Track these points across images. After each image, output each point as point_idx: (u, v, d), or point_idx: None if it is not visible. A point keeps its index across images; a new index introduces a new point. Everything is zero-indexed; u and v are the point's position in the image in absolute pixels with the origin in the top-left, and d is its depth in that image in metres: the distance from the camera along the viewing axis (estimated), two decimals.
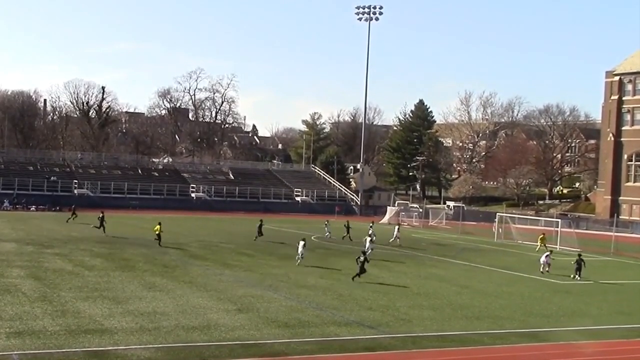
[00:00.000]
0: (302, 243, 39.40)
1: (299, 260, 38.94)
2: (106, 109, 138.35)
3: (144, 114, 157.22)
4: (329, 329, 23.12)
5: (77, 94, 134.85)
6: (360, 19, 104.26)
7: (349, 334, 22.60)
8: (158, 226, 46.08)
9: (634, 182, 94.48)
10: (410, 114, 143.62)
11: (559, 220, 61.86)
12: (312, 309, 26.23)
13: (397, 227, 56.69)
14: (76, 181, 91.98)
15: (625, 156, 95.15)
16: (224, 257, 41.26)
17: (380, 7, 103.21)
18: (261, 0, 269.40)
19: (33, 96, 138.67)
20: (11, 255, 37.80)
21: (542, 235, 54.98)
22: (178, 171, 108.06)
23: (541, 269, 40.61)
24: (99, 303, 25.32)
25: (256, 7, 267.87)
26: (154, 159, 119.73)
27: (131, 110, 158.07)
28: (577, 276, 38.46)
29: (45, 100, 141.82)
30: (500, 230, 64.62)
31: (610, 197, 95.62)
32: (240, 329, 22.41)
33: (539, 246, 53.31)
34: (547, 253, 42.29)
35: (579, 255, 40.16)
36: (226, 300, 27.12)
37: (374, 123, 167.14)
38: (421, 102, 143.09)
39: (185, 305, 25.72)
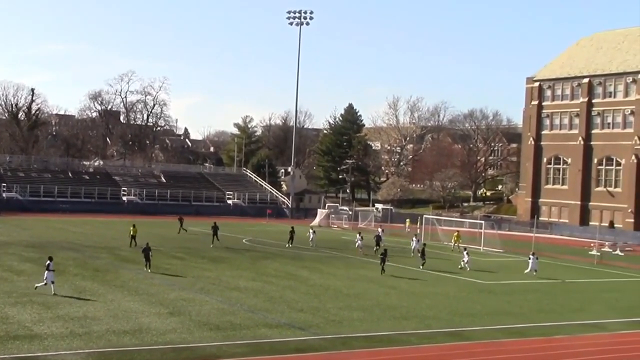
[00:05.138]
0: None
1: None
2: (36, 111, 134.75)
3: (74, 116, 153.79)
4: (260, 331, 23.49)
5: (6, 95, 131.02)
6: (291, 24, 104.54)
7: (280, 335, 23.02)
8: (132, 228, 48.92)
9: (553, 184, 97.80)
10: (340, 118, 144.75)
11: (483, 222, 63.64)
12: (243, 312, 26.55)
13: (311, 230, 57.39)
14: (5, 184, 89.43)
15: (545, 159, 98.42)
16: (156, 261, 40.78)
17: (311, 12, 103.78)
18: (193, 3, 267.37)
19: None
20: None
21: (456, 233, 57.37)
22: (109, 174, 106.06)
23: (412, 254, 49.90)
24: (29, 308, 25.01)
25: (188, 10, 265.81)
26: (84, 162, 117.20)
27: (61, 112, 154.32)
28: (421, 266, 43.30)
29: None
30: (409, 230, 67.08)
31: (530, 199, 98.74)
32: (172, 332, 22.55)
33: (453, 244, 56.82)
34: (415, 238, 52.47)
35: (424, 244, 47.77)
36: (158, 304, 27.16)
37: (305, 126, 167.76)
38: (351, 106, 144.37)
39: (116, 309, 25.66)
